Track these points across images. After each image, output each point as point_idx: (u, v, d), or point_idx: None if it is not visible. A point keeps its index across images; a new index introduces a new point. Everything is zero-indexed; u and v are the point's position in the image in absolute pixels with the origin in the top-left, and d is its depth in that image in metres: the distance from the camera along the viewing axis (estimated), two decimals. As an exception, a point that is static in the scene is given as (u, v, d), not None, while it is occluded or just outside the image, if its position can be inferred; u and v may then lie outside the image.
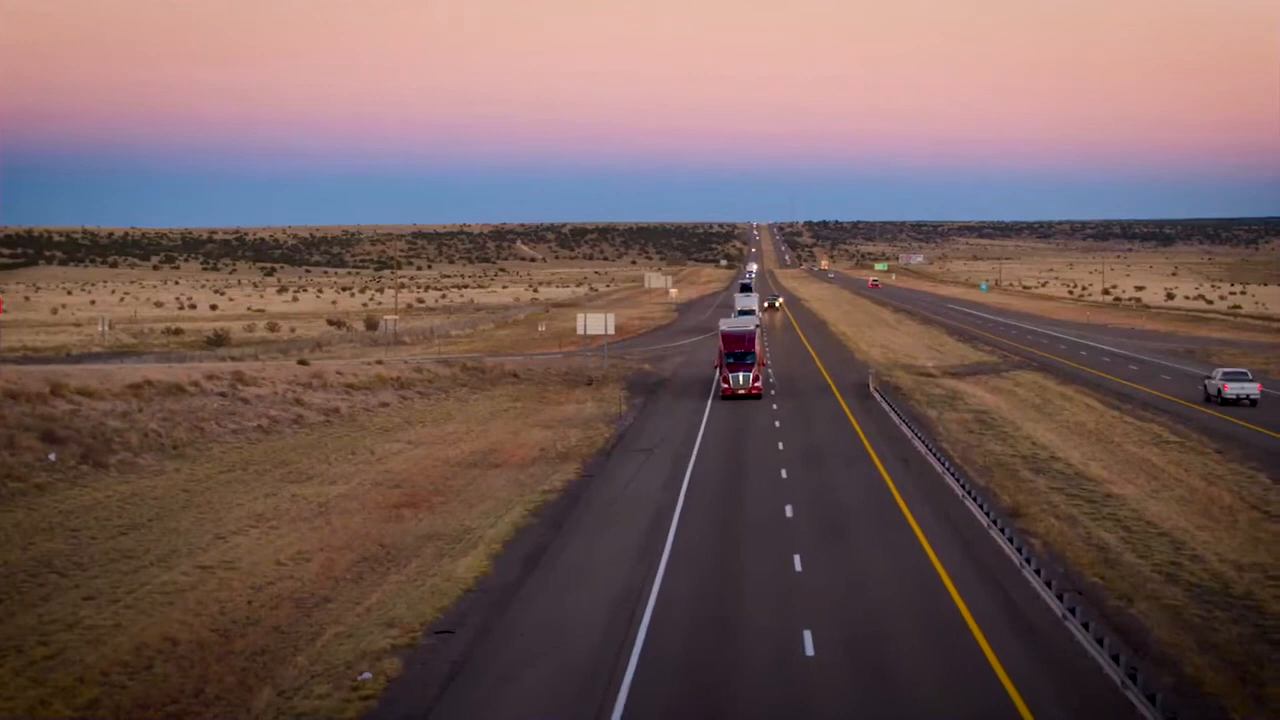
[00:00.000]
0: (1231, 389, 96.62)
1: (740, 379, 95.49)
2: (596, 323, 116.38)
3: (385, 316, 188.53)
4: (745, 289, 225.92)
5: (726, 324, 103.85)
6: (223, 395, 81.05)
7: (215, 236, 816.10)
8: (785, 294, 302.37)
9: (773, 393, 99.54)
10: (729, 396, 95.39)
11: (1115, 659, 32.72)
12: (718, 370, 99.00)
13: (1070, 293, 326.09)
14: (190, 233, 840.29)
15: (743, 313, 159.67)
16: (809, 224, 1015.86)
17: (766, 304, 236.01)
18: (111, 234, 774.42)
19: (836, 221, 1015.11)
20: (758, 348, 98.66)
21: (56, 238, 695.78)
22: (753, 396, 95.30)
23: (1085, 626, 35.57)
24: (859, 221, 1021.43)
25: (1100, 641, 34.10)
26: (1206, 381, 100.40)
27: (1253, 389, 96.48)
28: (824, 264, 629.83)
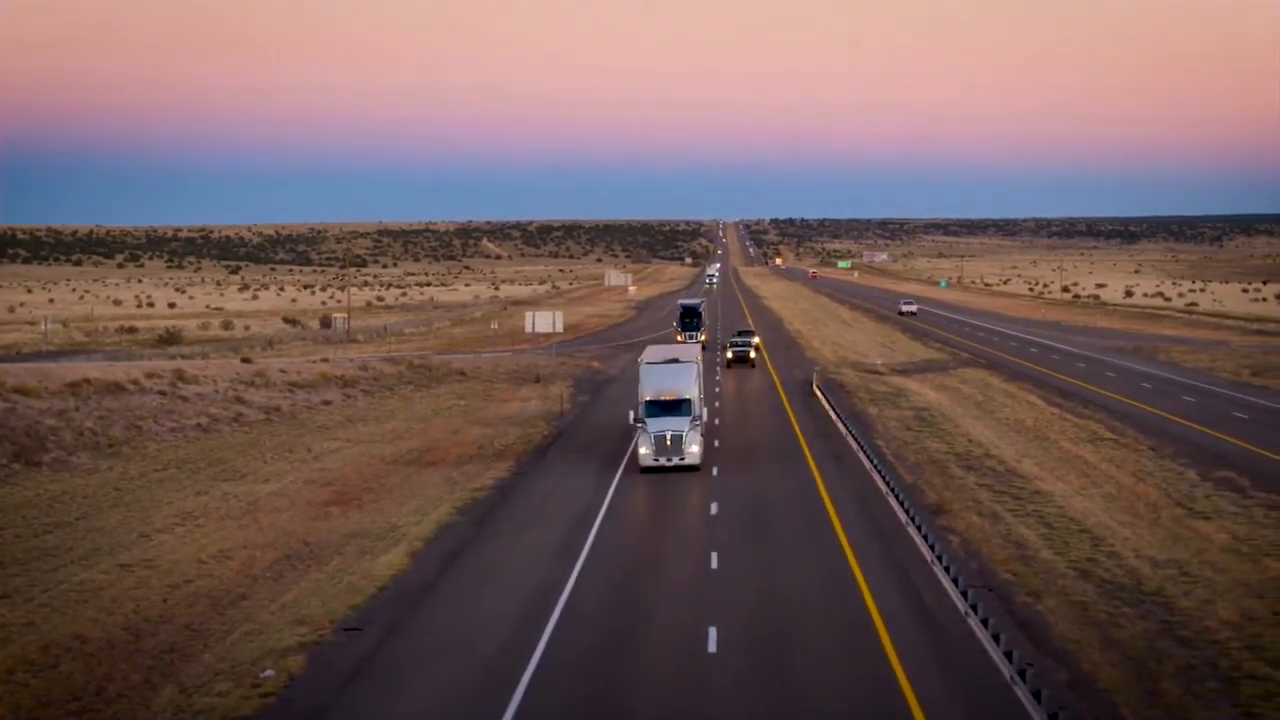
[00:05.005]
0: (905, 308, 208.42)
1: None
2: (545, 321, 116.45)
3: (336, 314, 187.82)
4: (688, 317, 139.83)
5: None
6: (162, 394, 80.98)
7: (180, 235, 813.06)
8: (746, 292, 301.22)
9: (716, 390, 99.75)
10: None
11: (1008, 655, 33.06)
12: None
13: (1030, 290, 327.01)
14: (155, 230, 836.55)
15: (658, 409, 63.68)
16: (775, 221, 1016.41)
17: (731, 353, 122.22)
18: (76, 232, 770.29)
19: (803, 219, 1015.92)
20: None
21: (20, 236, 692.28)
22: None
23: (985, 623, 35.90)
24: (825, 219, 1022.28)
25: (997, 638, 34.42)
26: (899, 305, 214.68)
27: (914, 307, 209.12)
28: (778, 260, 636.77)
